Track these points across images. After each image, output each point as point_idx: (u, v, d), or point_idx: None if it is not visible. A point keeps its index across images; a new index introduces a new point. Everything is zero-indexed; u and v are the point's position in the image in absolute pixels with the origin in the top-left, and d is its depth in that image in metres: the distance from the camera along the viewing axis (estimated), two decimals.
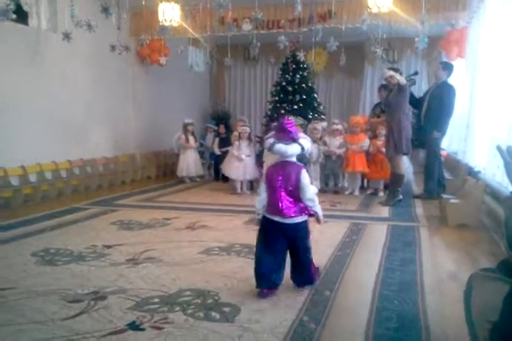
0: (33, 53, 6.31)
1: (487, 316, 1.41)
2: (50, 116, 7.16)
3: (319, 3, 7.34)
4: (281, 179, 3.01)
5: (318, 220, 3.11)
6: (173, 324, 2.60)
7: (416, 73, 6.81)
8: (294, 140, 2.98)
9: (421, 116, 7.03)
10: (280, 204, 2.99)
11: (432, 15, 6.99)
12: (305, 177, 3.02)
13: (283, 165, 3.06)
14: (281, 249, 3.07)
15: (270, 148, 3.04)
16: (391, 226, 5.11)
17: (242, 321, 2.64)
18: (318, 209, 3.07)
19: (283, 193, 3.00)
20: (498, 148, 1.99)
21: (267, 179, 3.08)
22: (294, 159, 3.08)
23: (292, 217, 3.00)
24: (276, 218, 3.02)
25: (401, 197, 6.39)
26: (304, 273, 3.17)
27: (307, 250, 3.14)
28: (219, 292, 3.08)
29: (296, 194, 3.00)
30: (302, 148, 3.01)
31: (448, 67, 6.91)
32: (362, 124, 7.38)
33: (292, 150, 2.99)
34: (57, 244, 4.30)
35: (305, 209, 3.05)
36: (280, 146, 2.98)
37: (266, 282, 3.03)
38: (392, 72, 6.09)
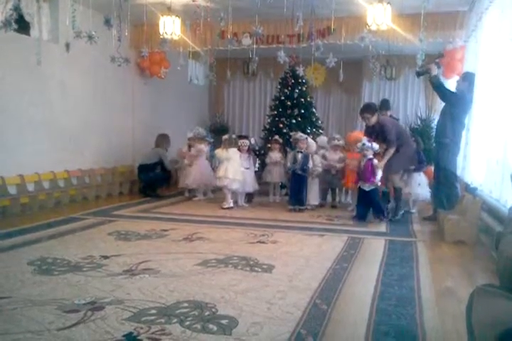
0: (34, 63, 6.33)
1: (490, 331, 1.40)
2: (49, 126, 7.19)
3: (319, 20, 7.42)
4: None
5: None
6: (170, 335, 2.59)
7: (441, 55, 6.45)
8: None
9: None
10: None
11: (430, 33, 7.06)
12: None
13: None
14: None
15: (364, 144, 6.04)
16: (388, 241, 5.12)
17: (240, 333, 2.63)
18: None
19: None
20: None
21: None
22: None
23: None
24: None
25: (402, 211, 6.43)
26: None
27: None
28: (216, 304, 3.07)
29: None
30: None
31: (468, 78, 6.16)
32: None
33: (376, 146, 6.08)
34: (54, 254, 4.29)
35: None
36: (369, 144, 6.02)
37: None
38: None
